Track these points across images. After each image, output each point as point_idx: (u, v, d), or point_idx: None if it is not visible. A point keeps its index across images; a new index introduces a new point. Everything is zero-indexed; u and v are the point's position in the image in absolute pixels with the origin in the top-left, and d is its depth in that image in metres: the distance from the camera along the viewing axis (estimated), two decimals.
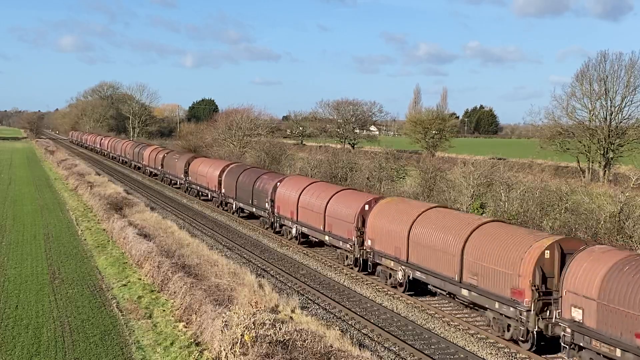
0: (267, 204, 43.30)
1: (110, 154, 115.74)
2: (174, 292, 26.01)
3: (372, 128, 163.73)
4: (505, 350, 22.98)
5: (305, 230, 38.79)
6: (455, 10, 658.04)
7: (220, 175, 53.77)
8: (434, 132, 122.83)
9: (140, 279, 29.59)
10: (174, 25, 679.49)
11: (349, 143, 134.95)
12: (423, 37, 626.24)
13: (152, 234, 37.29)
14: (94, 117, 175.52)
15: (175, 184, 70.59)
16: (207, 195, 57.93)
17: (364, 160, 68.93)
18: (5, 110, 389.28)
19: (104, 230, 41.91)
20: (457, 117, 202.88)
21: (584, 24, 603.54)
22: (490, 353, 22.66)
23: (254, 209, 46.39)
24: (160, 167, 75.70)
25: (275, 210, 42.79)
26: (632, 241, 33.31)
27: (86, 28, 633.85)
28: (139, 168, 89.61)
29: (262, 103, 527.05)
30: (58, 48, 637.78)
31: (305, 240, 40.03)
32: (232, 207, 51.51)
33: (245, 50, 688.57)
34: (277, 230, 43.15)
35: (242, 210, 49.95)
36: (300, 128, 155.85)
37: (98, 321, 23.82)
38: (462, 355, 22.32)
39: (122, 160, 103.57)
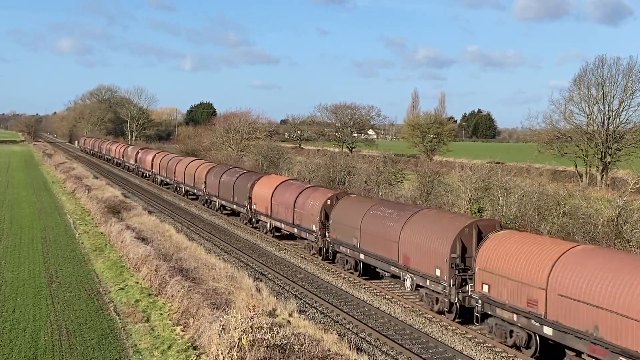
0: None
1: (158, 177, 76.95)
2: (172, 296, 25.99)
3: (370, 132, 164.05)
4: (503, 354, 22.95)
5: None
6: (455, 14, 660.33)
7: None
8: (431, 136, 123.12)
9: (137, 283, 29.55)
10: (173, 29, 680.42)
11: (347, 147, 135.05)
12: (422, 41, 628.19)
13: (150, 237, 37.28)
14: (92, 120, 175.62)
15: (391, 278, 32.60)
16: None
17: (362, 164, 68.99)
18: (3, 114, 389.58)
19: (102, 233, 41.88)
20: (455, 121, 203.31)
21: (583, 29, 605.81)
22: (488, 357, 22.63)
23: None
24: (320, 231, 36.13)
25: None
26: (629, 245, 33.31)
27: (85, 31, 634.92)
28: (229, 210, 53.41)
29: (260, 107, 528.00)
30: (56, 51, 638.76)
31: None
32: None
33: (244, 53, 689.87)
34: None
35: None
36: (299, 132, 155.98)
37: (95, 325, 23.79)
38: None
39: (187, 190, 64.36)
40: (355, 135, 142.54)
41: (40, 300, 26.97)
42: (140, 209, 49.70)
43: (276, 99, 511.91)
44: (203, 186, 58.36)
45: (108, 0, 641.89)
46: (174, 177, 68.86)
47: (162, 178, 75.02)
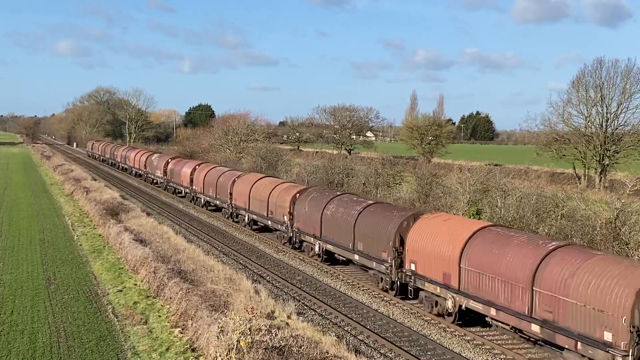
0: None
1: (202, 197, 58.19)
2: (170, 298, 25.99)
3: (369, 134, 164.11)
4: (502, 356, 22.97)
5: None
6: (454, 16, 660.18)
7: None
8: (430, 138, 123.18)
9: (136, 285, 29.55)
10: (172, 30, 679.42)
11: (346, 149, 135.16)
12: (421, 43, 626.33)
13: (148, 239, 37.28)
14: (90, 122, 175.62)
15: None
16: None
17: (360, 166, 69.08)
18: (2, 115, 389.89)
19: (100, 235, 41.86)
20: (454, 123, 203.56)
21: (582, 31, 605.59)
22: (487, 359, 22.65)
23: None
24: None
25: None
26: (627, 248, 33.35)
27: (84, 32, 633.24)
28: (345, 259, 34.46)
29: (259, 108, 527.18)
30: (55, 52, 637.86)
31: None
32: None
33: (243, 55, 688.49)
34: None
35: None
36: (297, 134, 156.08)
37: (94, 327, 23.78)
38: None
39: (254, 220, 46.28)
40: (354, 137, 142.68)
41: (39, 302, 26.96)
42: (138, 210, 49.69)
43: (275, 100, 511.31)
44: (286, 218, 40.04)
45: (107, 2, 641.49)
46: (230, 199, 50.38)
47: (209, 199, 56.27)
